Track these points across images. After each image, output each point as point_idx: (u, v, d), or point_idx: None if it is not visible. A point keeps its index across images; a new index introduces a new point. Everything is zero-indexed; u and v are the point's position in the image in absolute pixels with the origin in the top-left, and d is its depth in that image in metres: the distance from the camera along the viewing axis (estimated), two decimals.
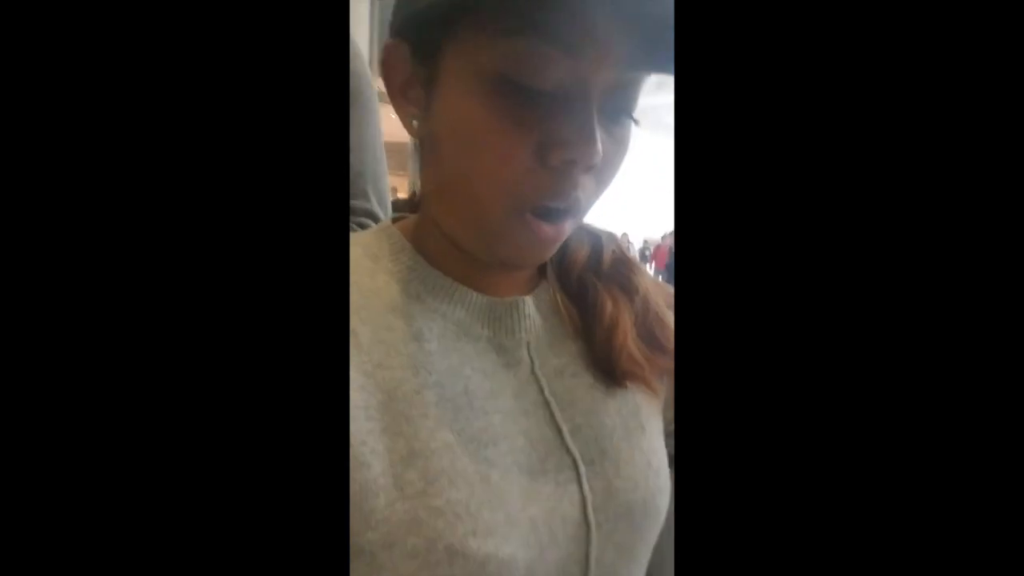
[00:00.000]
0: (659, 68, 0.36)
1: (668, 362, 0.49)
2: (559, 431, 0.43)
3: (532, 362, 0.45)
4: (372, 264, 0.44)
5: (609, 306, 0.48)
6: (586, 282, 0.49)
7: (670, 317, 0.51)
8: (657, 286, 0.53)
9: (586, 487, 0.42)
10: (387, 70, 0.40)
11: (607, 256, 0.51)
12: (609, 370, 0.47)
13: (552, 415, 0.44)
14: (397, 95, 0.41)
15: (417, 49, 0.39)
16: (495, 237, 0.40)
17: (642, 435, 0.47)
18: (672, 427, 0.51)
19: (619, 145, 0.39)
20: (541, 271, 0.50)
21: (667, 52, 0.33)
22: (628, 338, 0.47)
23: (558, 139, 0.36)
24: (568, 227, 0.40)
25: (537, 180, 0.37)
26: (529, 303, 0.47)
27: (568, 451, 0.43)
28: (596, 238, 0.52)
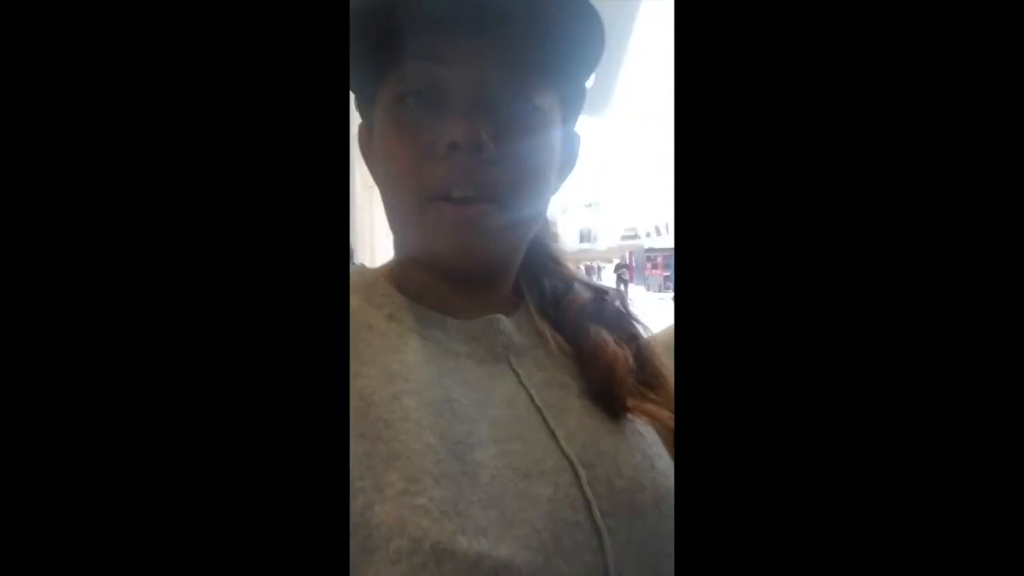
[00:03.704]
0: (524, 67, 0.42)
1: (666, 412, 0.48)
2: (553, 435, 0.43)
3: (517, 374, 0.46)
4: None
5: (610, 344, 0.48)
6: (585, 327, 0.50)
7: (670, 368, 0.51)
8: (656, 336, 0.55)
9: (587, 490, 0.41)
10: (360, 141, 0.48)
11: (609, 307, 0.52)
12: (610, 401, 0.46)
13: (545, 420, 0.43)
14: (364, 156, 0.47)
15: (359, 103, 0.47)
16: (416, 229, 0.44)
17: (640, 439, 0.46)
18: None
19: (523, 132, 0.43)
20: (521, 297, 0.52)
21: (524, 51, 0.41)
22: (629, 372, 0.47)
23: (440, 129, 0.41)
24: (484, 211, 0.42)
25: (433, 170, 0.42)
26: (504, 321, 0.48)
27: (564, 454, 0.42)
28: (600, 291, 0.53)
